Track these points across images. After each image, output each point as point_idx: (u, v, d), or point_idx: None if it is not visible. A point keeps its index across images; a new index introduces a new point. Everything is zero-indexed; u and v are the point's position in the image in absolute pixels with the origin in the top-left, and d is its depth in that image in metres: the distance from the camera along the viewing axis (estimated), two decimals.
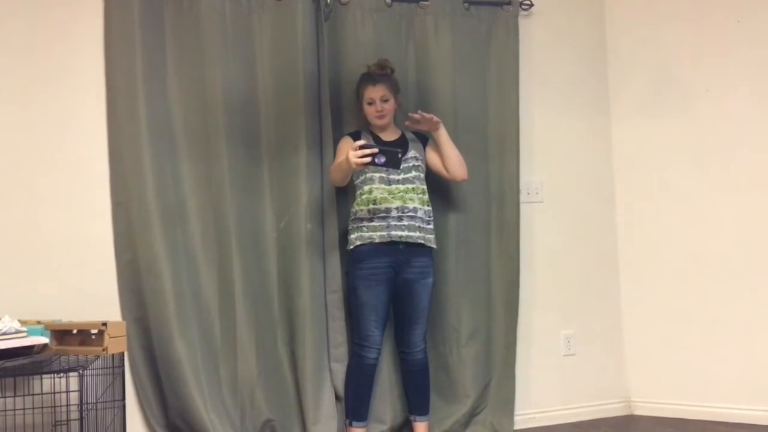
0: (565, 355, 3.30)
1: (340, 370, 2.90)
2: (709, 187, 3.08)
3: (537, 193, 3.30)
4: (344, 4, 3.00)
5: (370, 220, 2.76)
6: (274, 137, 2.90)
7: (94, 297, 2.68)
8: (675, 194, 3.19)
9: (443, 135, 2.86)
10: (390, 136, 2.91)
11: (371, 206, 2.76)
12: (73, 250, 2.71)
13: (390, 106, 2.86)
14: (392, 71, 2.88)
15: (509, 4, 3.22)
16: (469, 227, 3.11)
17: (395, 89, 2.87)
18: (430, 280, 2.85)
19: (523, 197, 3.21)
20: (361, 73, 2.88)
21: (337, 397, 2.91)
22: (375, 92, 2.81)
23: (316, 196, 2.91)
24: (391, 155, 2.59)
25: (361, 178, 2.82)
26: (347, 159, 2.59)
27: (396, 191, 2.77)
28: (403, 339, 2.87)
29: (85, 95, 2.75)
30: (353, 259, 2.81)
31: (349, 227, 2.84)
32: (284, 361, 2.90)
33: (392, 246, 2.76)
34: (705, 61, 3.07)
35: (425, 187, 2.87)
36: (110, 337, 2.31)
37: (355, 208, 2.82)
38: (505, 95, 3.18)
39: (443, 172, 2.89)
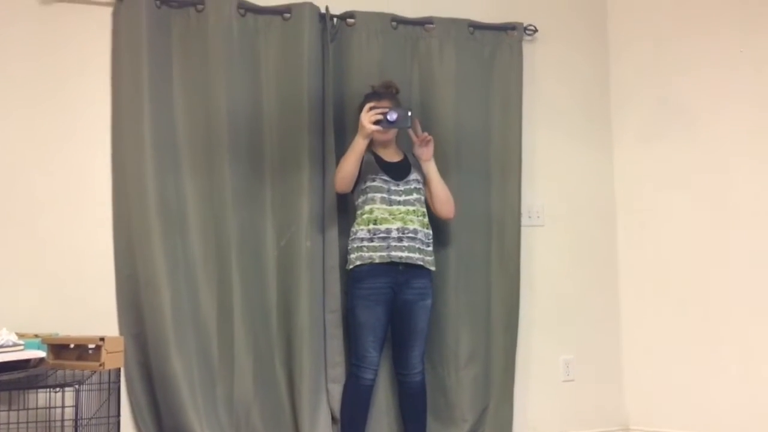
0: (564, 381, 3.28)
1: (337, 390, 2.88)
2: (710, 214, 3.08)
3: (538, 217, 3.30)
4: (350, 26, 3.03)
5: (371, 240, 2.75)
6: (277, 155, 2.91)
7: (93, 311, 2.67)
8: (676, 221, 3.19)
9: (432, 169, 2.87)
10: (393, 156, 2.90)
11: (371, 226, 2.75)
12: (72, 264, 2.70)
13: None
14: (397, 91, 2.89)
15: (513, 29, 3.25)
16: (470, 249, 3.10)
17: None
18: (429, 301, 2.84)
19: (524, 220, 3.21)
20: (365, 93, 2.88)
21: (333, 419, 2.88)
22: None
23: (318, 215, 2.90)
24: (402, 113, 2.65)
25: (362, 198, 2.81)
26: (360, 128, 2.63)
27: (397, 212, 2.77)
28: (401, 360, 2.85)
29: (90, 108, 2.76)
30: (352, 279, 2.80)
31: (349, 247, 2.82)
32: (281, 381, 2.87)
33: (392, 266, 2.74)
34: (707, 89, 3.09)
35: (425, 209, 2.86)
36: (108, 353, 2.29)
37: (356, 227, 2.81)
38: (508, 118, 3.19)
39: (430, 206, 2.90)
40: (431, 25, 3.13)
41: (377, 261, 2.73)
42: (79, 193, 2.74)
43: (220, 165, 2.82)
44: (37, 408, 2.45)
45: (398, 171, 2.85)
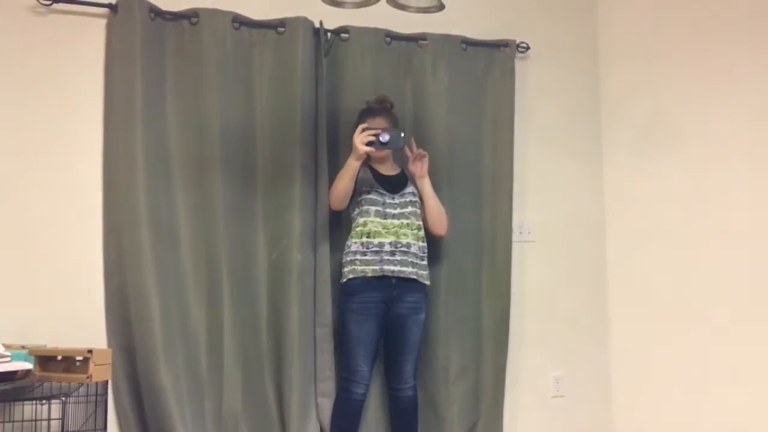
0: (553, 397, 3.28)
1: (326, 405, 2.87)
2: (701, 232, 3.10)
3: (529, 233, 3.31)
4: (344, 41, 3.04)
5: (363, 254, 2.74)
6: (269, 169, 2.91)
7: (81, 323, 2.65)
8: (666, 237, 3.21)
9: (427, 186, 2.88)
10: (389, 170, 2.91)
11: (364, 239, 2.75)
12: (61, 275, 2.68)
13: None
14: (391, 106, 2.90)
15: (506, 46, 3.27)
16: (461, 265, 3.11)
17: (395, 123, 2.86)
18: (422, 315, 2.83)
19: (515, 236, 3.22)
20: (360, 109, 2.89)
21: None
22: (375, 124, 2.78)
23: (309, 229, 2.90)
24: (395, 134, 2.69)
25: (357, 210, 2.81)
26: (353, 149, 2.64)
27: (391, 226, 2.77)
28: (393, 375, 2.84)
29: (81, 120, 2.76)
30: (345, 293, 2.79)
31: (343, 260, 2.82)
32: (270, 395, 2.86)
33: (384, 280, 2.74)
34: (697, 105, 3.12)
35: (421, 222, 2.86)
36: (95, 365, 2.27)
37: (350, 240, 2.81)
38: (500, 135, 3.21)
39: (424, 222, 2.88)
40: (425, 42, 3.15)
41: (369, 275, 2.72)
42: (68, 205, 2.72)
43: (211, 178, 2.82)
44: (23, 420, 2.42)
45: (394, 184, 2.85)
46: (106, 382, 2.47)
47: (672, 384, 3.15)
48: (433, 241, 3.01)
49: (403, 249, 2.76)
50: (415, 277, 2.79)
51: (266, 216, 2.90)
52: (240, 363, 2.82)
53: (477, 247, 3.15)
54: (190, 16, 2.84)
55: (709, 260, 3.05)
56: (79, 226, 2.72)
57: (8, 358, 2.24)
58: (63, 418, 2.29)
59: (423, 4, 2.47)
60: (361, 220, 2.79)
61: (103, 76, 2.77)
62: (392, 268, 2.74)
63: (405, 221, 2.79)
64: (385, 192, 2.82)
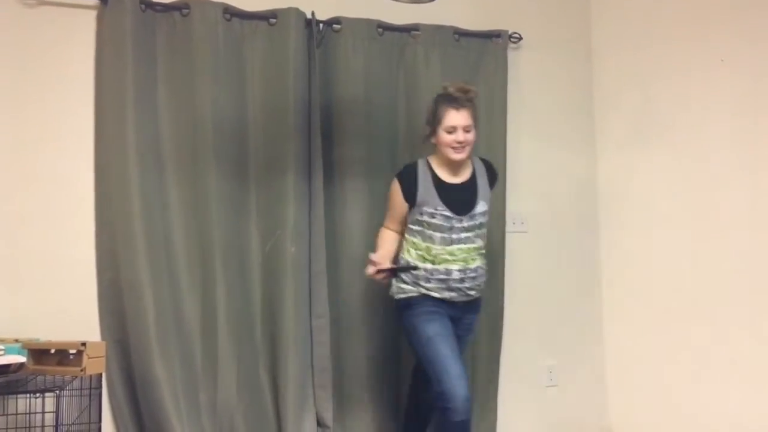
0: (547, 386, 3.29)
1: (324, 396, 2.87)
2: (693, 221, 3.11)
3: (522, 223, 3.31)
4: (336, 32, 3.03)
5: (428, 280, 2.53)
6: (262, 160, 2.90)
7: (74, 316, 2.64)
8: (659, 227, 3.22)
9: None
10: (460, 175, 2.61)
11: (429, 266, 2.52)
12: (54, 268, 2.67)
13: (472, 137, 2.56)
14: (475, 95, 2.61)
15: (498, 36, 3.27)
16: None
17: (476, 119, 2.60)
18: (472, 336, 2.77)
19: (508, 227, 3.23)
20: (438, 93, 2.62)
21: (319, 424, 2.87)
22: (459, 119, 2.51)
23: (303, 220, 2.90)
24: (401, 271, 2.53)
25: (418, 228, 2.55)
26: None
27: (458, 252, 2.53)
28: (425, 382, 2.56)
29: (72, 113, 2.74)
30: (405, 306, 2.56)
31: (398, 274, 2.57)
32: (265, 387, 2.86)
33: (449, 302, 2.56)
34: (689, 94, 3.12)
35: (485, 240, 2.65)
36: (89, 358, 2.27)
37: (408, 255, 2.57)
38: (493, 125, 3.21)
39: None
40: (417, 32, 3.14)
41: (436, 296, 2.54)
42: (60, 198, 2.71)
43: (204, 170, 2.81)
44: (17, 414, 2.42)
45: (463, 200, 2.56)
46: (100, 375, 2.46)
47: (665, 373, 3.17)
48: None
49: (472, 275, 2.55)
50: (478, 295, 2.64)
51: (259, 208, 2.90)
52: (235, 355, 2.82)
53: None
54: (181, 7, 2.83)
55: (702, 250, 3.06)
56: (72, 219, 2.71)
57: (2, 352, 2.24)
58: (57, 411, 2.29)
59: None
60: (424, 244, 2.54)
61: (94, 68, 2.75)
62: (459, 294, 2.55)
63: (473, 246, 2.56)
64: (452, 215, 2.53)
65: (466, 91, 2.56)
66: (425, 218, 2.53)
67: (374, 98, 3.04)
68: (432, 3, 3.05)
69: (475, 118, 2.57)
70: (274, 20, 2.93)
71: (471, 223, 2.54)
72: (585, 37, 3.51)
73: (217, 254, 2.80)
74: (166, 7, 2.83)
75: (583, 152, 3.45)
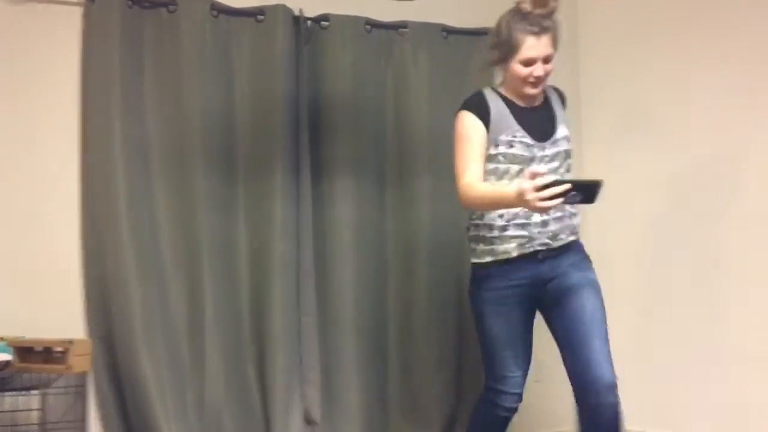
0: (534, 381, 3.29)
1: (313, 395, 2.87)
2: (680, 215, 3.13)
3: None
4: (324, 29, 3.03)
5: (504, 228, 2.14)
6: (250, 158, 2.90)
7: (60, 314, 2.62)
8: (646, 220, 3.23)
9: None
10: (532, 99, 2.22)
11: (504, 213, 2.12)
12: (40, 266, 2.66)
13: (551, 68, 2.16)
14: (556, 11, 2.14)
15: (486, 34, 3.25)
16: (442, 250, 3.11)
17: (557, 44, 2.17)
18: (593, 275, 2.21)
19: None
20: (510, 11, 2.17)
21: (307, 420, 2.87)
22: (540, 48, 2.08)
23: (292, 218, 2.89)
24: (589, 189, 1.95)
25: (492, 166, 2.15)
26: (518, 196, 1.90)
27: None
28: (580, 372, 2.11)
29: (59, 109, 2.72)
30: (478, 278, 2.24)
31: (473, 233, 2.25)
32: (253, 385, 2.86)
33: (531, 258, 2.15)
34: (675, 89, 3.15)
35: (573, 172, 2.25)
36: (75, 356, 2.27)
37: (475, 217, 2.22)
38: None
39: None
40: (405, 30, 3.14)
41: (514, 254, 2.14)
42: (46, 195, 2.69)
43: (191, 167, 2.80)
44: (2, 411, 2.41)
45: (542, 126, 2.18)
46: (86, 372, 2.46)
47: (652, 366, 3.18)
48: (415, 227, 3.02)
49: (557, 215, 2.11)
50: (571, 239, 2.19)
51: (247, 205, 2.89)
52: (222, 353, 2.82)
53: (457, 234, 3.15)
54: (168, 4, 2.81)
55: (688, 242, 3.08)
56: (58, 216, 2.70)
57: None
58: (43, 409, 2.29)
59: None
60: (498, 182, 2.12)
61: (80, 65, 2.73)
62: (544, 241, 2.13)
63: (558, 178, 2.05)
64: (533, 142, 2.13)
65: (546, 6, 2.06)
66: (501, 149, 2.11)
67: (362, 96, 3.04)
68: (420, 0, 3.07)
69: (555, 42, 2.12)
70: (262, 17, 2.92)
71: (555, 150, 2.15)
72: (571, 33, 3.49)
73: (204, 252, 2.79)
74: (153, 4, 2.81)
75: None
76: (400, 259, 3.08)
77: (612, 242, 3.36)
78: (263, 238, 2.86)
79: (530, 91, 2.15)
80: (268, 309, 2.84)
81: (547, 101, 2.24)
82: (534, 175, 1.91)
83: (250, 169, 2.90)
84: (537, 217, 2.08)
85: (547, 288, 2.19)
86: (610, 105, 3.40)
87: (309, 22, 3.00)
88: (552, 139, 2.15)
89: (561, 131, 2.19)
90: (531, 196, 1.88)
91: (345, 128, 3.01)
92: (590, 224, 3.42)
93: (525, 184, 1.89)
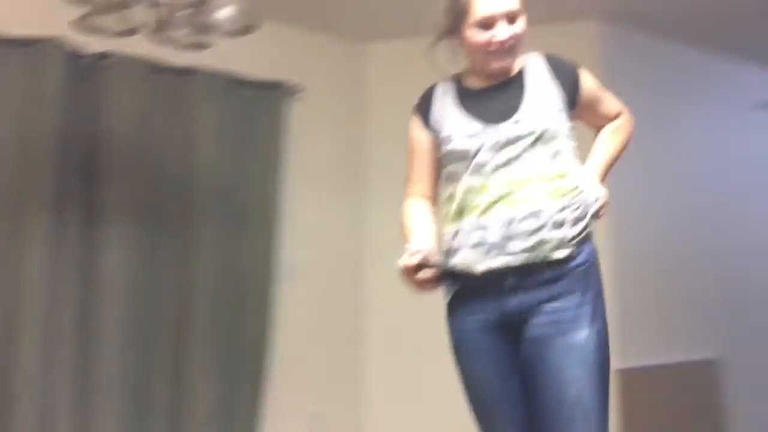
0: None
1: None
2: None
3: (293, 270, 3.34)
4: (105, 68, 2.86)
5: (457, 252, 1.63)
6: (5, 197, 2.64)
7: None
8: None
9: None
10: (496, 76, 1.66)
11: (455, 225, 1.62)
12: None
13: (521, 29, 1.61)
14: None
15: (279, 86, 3.31)
16: (220, 300, 3.06)
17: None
18: (578, 331, 1.52)
19: (277, 273, 3.24)
20: None
21: None
22: (497, 4, 1.57)
23: (51, 266, 2.66)
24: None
25: (444, 174, 1.71)
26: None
27: (497, 185, 1.57)
28: None
29: None
30: (447, 310, 1.72)
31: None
32: None
33: (496, 279, 1.57)
34: None
35: (558, 166, 1.58)
36: None
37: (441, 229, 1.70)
38: (268, 173, 3.24)
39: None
40: (194, 76, 3.07)
41: (478, 276, 1.57)
42: None
43: None
44: None
45: (501, 105, 1.62)
46: None
47: (424, 421, 3.34)
48: (191, 276, 2.94)
49: (528, 219, 1.52)
50: (556, 255, 1.53)
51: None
52: None
53: (238, 283, 3.13)
54: None
55: None
56: None
57: None
58: None
59: (191, 42, 2.39)
60: (447, 192, 1.65)
61: None
62: (506, 254, 1.53)
63: (524, 173, 1.56)
64: (481, 127, 1.60)
65: None
66: (444, 149, 1.64)
67: (144, 138, 2.93)
68: (213, 47, 3.02)
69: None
70: (32, 49, 2.69)
71: (517, 133, 1.56)
72: (360, 92, 3.67)
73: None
74: None
75: (353, 201, 3.59)
76: (177, 312, 2.97)
77: (387, 294, 3.49)
78: (11, 296, 2.59)
79: (496, 64, 1.60)
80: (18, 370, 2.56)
81: (520, 74, 1.64)
82: (414, 264, 1.53)
83: (4, 209, 2.63)
84: (495, 223, 1.54)
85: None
86: (391, 163, 3.55)
87: (87, 58, 2.82)
88: (513, 118, 1.56)
89: (530, 107, 1.58)
90: (405, 280, 1.57)
91: (123, 171, 2.86)
92: (369, 276, 3.55)
93: (399, 261, 1.56)
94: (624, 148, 1.77)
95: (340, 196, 3.56)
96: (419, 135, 1.73)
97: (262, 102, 3.26)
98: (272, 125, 3.28)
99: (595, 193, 1.61)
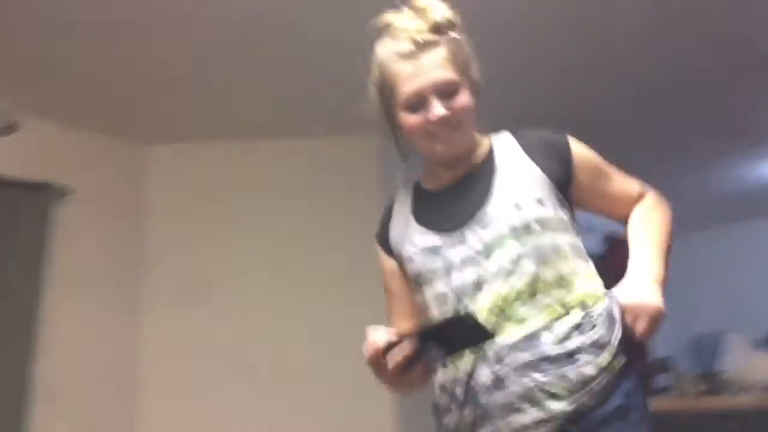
0: None
1: None
2: (231, 377, 3.27)
3: (50, 390, 2.98)
4: None
5: (436, 406, 1.36)
6: None
7: None
8: (198, 387, 3.28)
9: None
10: (454, 172, 1.38)
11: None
12: None
13: (465, 102, 1.30)
14: (450, 25, 1.30)
15: (45, 186, 3.06)
16: None
17: (466, 66, 1.32)
18: None
19: (34, 394, 2.88)
20: (379, 29, 1.34)
21: None
22: (422, 75, 1.28)
23: None
24: (458, 327, 1.24)
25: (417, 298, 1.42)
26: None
27: (478, 308, 1.26)
28: None
29: None
30: None
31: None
32: None
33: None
34: (228, 256, 3.43)
35: (551, 269, 1.25)
36: None
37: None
38: (28, 283, 2.94)
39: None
40: None
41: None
42: None
43: None
44: None
45: (463, 205, 1.32)
46: None
47: None
48: None
49: (521, 353, 1.21)
50: (573, 406, 1.19)
51: None
52: None
53: None
54: None
55: (239, 410, 3.23)
56: None
57: None
58: None
59: None
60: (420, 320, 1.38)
61: None
62: (501, 410, 1.22)
63: (508, 285, 1.23)
64: (439, 239, 1.31)
65: (425, 16, 1.28)
66: (410, 272, 1.35)
67: None
68: None
69: (456, 61, 1.29)
70: None
71: (490, 238, 1.25)
72: (137, 195, 3.52)
73: None
74: None
75: (128, 314, 3.36)
76: None
77: (162, 409, 3.31)
78: None
79: (441, 149, 1.31)
80: None
81: (488, 160, 1.34)
82: (383, 349, 1.24)
83: None
84: (483, 368, 1.23)
85: None
86: (172, 271, 3.46)
87: None
88: (479, 219, 1.27)
89: (500, 201, 1.28)
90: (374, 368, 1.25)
91: None
92: (143, 389, 3.32)
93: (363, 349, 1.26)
94: (670, 233, 1.34)
95: (111, 307, 3.32)
96: (387, 265, 1.43)
97: (25, 204, 2.99)
98: (35, 229, 3.00)
99: (628, 300, 1.22)
